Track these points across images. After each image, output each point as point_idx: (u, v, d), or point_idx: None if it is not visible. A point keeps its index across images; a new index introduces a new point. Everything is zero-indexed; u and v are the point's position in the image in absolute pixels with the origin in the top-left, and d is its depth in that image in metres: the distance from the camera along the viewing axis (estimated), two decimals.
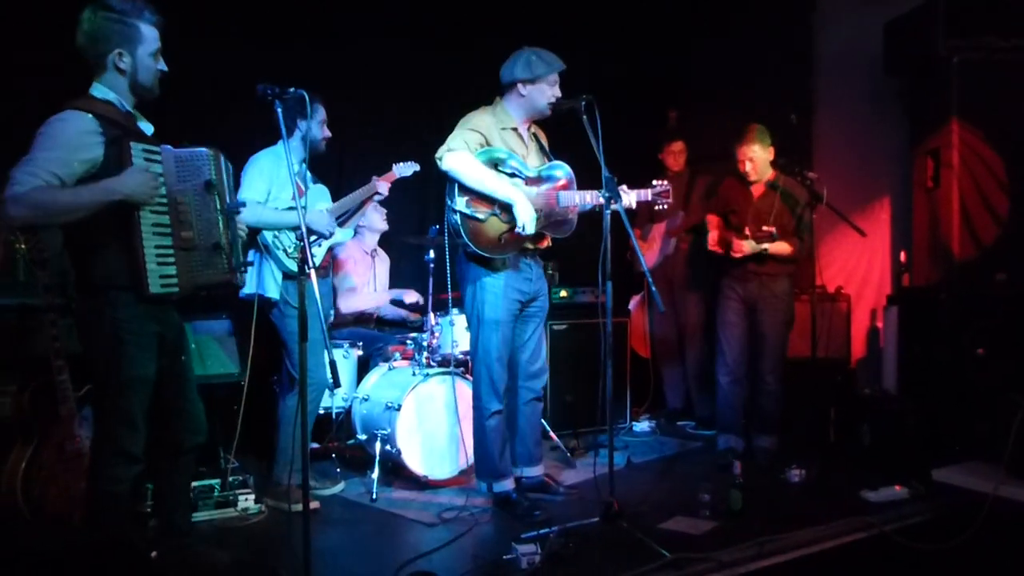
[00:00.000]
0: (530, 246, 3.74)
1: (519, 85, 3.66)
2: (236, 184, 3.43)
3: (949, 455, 4.07)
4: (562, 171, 3.75)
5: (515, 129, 3.74)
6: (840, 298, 5.17)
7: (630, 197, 3.72)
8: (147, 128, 2.72)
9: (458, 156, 3.52)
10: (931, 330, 4.62)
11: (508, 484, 3.74)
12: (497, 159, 3.62)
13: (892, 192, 5.31)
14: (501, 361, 3.69)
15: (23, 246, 3.39)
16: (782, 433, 4.67)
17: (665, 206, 3.92)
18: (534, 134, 3.87)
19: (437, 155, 3.56)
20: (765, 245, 4.36)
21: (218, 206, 2.72)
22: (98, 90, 2.60)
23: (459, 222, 3.56)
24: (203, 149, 2.71)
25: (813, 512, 3.52)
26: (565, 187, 3.72)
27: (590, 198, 3.65)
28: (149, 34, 2.62)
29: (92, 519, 2.65)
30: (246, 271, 3.10)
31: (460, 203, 3.55)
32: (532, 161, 3.76)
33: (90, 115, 2.48)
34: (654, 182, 3.87)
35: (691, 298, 5.44)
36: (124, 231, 2.53)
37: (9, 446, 3.31)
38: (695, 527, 3.38)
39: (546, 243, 3.82)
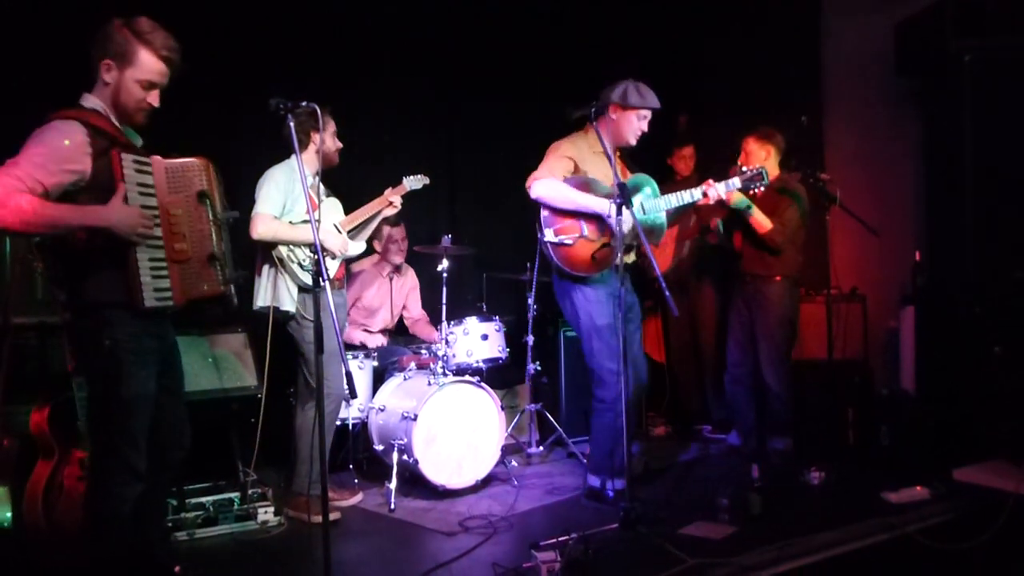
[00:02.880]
0: (626, 260, 3.79)
1: (611, 108, 3.79)
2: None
3: (970, 454, 4.03)
4: (643, 182, 3.87)
5: (603, 153, 3.81)
6: (856, 298, 5.15)
7: (718, 189, 3.90)
8: (136, 140, 2.67)
9: (544, 183, 3.68)
10: (948, 329, 4.59)
11: (623, 483, 3.77)
12: (579, 185, 3.73)
13: (906, 191, 5.28)
14: (619, 359, 3.71)
15: (40, 265, 3.42)
16: (800, 435, 4.68)
17: (761, 189, 4.05)
18: (622, 159, 3.98)
19: (527, 184, 3.71)
20: (748, 202, 4.44)
21: (211, 216, 2.66)
22: (88, 100, 2.56)
23: (552, 251, 3.72)
24: (194, 159, 2.66)
25: (833, 514, 3.50)
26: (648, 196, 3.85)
27: (675, 200, 3.82)
28: (145, 62, 2.54)
29: (95, 539, 2.61)
30: (239, 284, 2.99)
31: (549, 234, 3.71)
32: None
33: (79, 124, 2.43)
34: (743, 168, 4.04)
35: (706, 302, 5.43)
36: (116, 246, 2.47)
37: (31, 463, 3.33)
38: (715, 532, 3.36)
39: (631, 257, 3.90)
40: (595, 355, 3.82)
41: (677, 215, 4.03)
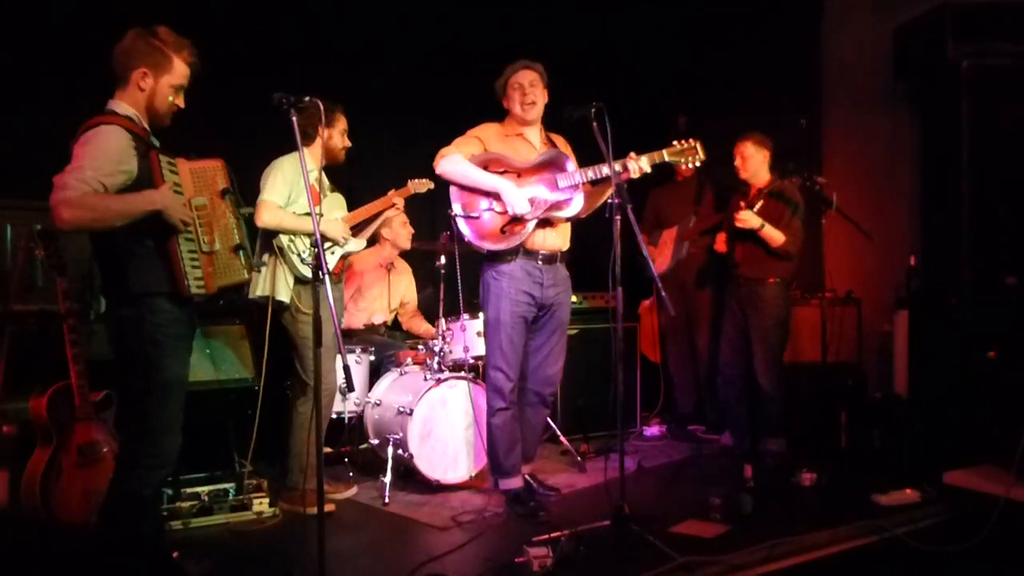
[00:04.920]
0: (539, 247, 3.76)
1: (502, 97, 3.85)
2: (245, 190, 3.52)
3: (960, 458, 4.06)
4: (559, 157, 3.78)
5: (520, 135, 3.83)
6: (851, 302, 5.18)
7: (641, 162, 3.66)
8: (154, 142, 2.83)
9: (447, 159, 3.70)
10: (941, 334, 4.62)
11: (514, 482, 3.82)
12: (488, 160, 3.75)
13: (902, 196, 5.31)
14: (506, 360, 3.75)
15: (42, 253, 3.44)
16: (793, 437, 4.71)
17: (695, 164, 3.79)
18: (550, 139, 3.91)
19: (434, 163, 3.73)
20: (760, 222, 4.55)
21: (231, 211, 2.87)
22: (119, 107, 2.69)
23: (460, 225, 3.72)
24: (212, 161, 2.86)
25: (824, 516, 3.53)
26: (563, 171, 3.74)
27: (592, 173, 3.68)
28: (178, 68, 2.74)
29: (113, 521, 2.68)
30: (259, 271, 3.48)
31: (456, 207, 3.72)
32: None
33: (123, 129, 2.59)
34: (673, 142, 3.78)
35: (703, 302, 5.45)
36: (159, 238, 2.64)
37: (30, 450, 3.36)
38: (705, 530, 3.38)
39: (559, 241, 3.82)
40: (487, 352, 3.83)
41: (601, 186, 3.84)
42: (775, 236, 4.58)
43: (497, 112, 3.91)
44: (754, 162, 4.73)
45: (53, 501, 3.28)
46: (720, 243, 4.85)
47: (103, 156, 2.51)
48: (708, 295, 5.42)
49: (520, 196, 3.66)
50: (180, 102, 2.79)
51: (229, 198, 2.86)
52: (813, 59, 5.80)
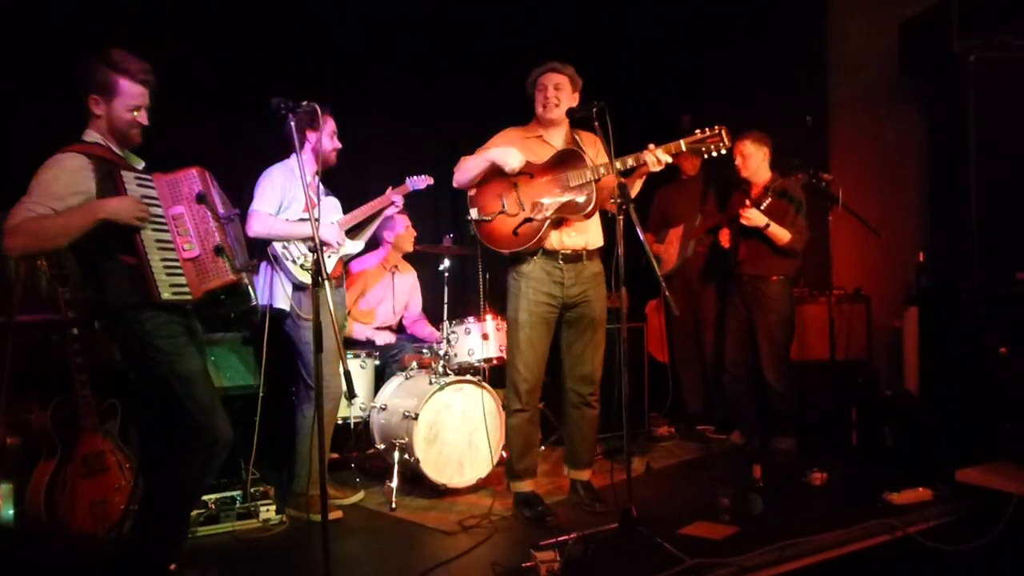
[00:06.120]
0: (558, 247, 3.70)
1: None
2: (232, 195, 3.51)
3: (973, 456, 4.01)
4: (571, 155, 3.70)
5: (539, 137, 3.81)
6: (860, 299, 5.14)
7: (658, 154, 3.53)
8: (138, 164, 2.89)
9: (457, 170, 3.77)
10: (952, 330, 4.57)
11: (525, 486, 3.80)
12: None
13: (910, 191, 5.26)
14: (524, 360, 3.74)
15: (44, 264, 3.45)
16: (803, 435, 4.69)
17: (721, 151, 3.56)
18: (575, 139, 3.83)
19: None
20: (766, 220, 4.55)
21: (212, 214, 2.89)
22: (88, 135, 2.78)
23: (476, 230, 3.75)
24: (189, 170, 2.89)
25: (835, 515, 3.49)
26: (575, 170, 3.66)
27: (604, 170, 3.60)
28: (130, 90, 2.76)
29: (165, 511, 2.81)
30: (255, 272, 3.46)
31: (473, 212, 3.75)
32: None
33: (81, 155, 2.66)
34: (695, 131, 3.58)
35: (709, 301, 5.42)
36: (127, 251, 2.69)
37: (34, 461, 3.35)
38: (715, 532, 3.35)
39: (570, 237, 3.73)
40: (509, 352, 3.83)
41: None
42: (781, 234, 4.58)
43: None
44: (754, 160, 4.73)
45: (57, 513, 3.27)
46: (724, 239, 4.83)
47: (51, 182, 2.58)
48: (714, 293, 5.39)
49: (508, 152, 3.66)
50: (142, 119, 2.81)
51: (206, 202, 2.88)
52: (818, 55, 5.77)
